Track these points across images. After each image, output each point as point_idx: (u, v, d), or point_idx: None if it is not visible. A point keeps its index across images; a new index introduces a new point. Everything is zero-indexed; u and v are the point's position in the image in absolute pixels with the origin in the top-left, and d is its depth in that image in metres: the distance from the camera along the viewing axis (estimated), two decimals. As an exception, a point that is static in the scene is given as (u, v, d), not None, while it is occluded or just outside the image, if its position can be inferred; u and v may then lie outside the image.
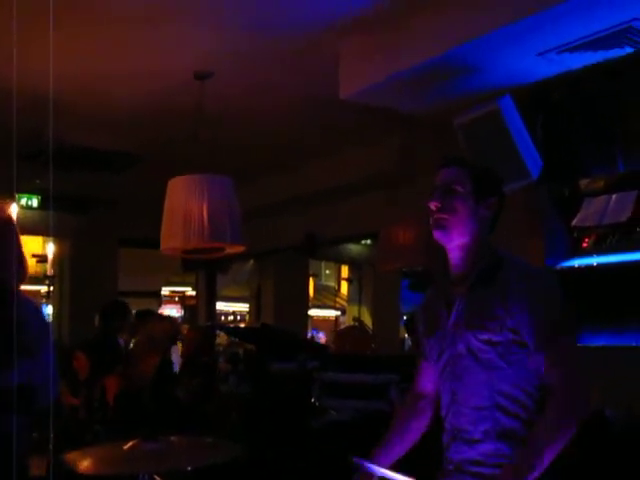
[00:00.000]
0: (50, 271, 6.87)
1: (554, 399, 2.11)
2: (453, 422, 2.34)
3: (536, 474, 2.01)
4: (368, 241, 10.32)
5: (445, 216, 2.30)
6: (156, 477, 2.59)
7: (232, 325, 15.03)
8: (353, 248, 11.42)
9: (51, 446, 3.02)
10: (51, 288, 7.87)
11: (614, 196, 4.60)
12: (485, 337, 2.22)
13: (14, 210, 4.03)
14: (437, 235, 2.33)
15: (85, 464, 2.33)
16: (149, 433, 2.42)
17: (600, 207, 4.64)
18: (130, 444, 2.38)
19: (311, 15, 4.12)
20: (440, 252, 2.42)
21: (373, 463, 2.34)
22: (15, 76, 4.64)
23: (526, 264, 2.36)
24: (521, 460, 2.06)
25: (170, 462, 2.38)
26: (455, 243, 2.33)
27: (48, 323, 2.73)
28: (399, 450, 2.49)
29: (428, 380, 2.55)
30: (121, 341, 5.87)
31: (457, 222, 2.30)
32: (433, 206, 2.31)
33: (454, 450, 2.33)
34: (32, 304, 2.83)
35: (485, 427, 2.24)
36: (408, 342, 7.09)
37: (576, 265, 4.58)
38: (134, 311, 6.70)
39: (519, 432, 2.19)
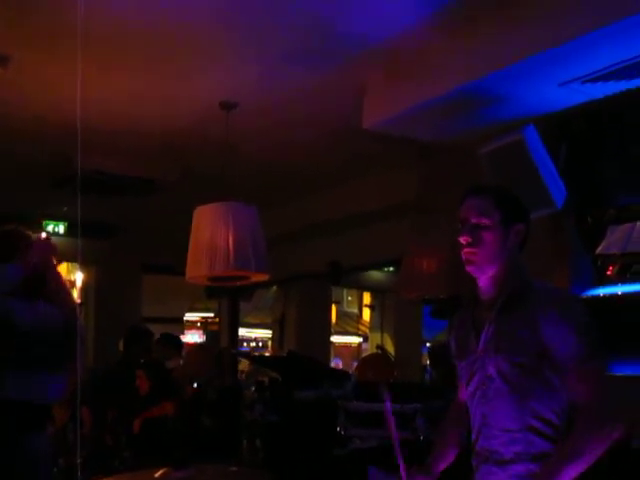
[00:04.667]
0: (79, 298, 6.93)
1: (583, 416, 2.14)
2: (484, 444, 2.36)
3: None
4: (390, 268, 10.32)
5: (475, 250, 2.33)
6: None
7: (256, 352, 15.03)
8: (375, 275, 11.42)
9: (79, 473, 3.06)
10: (80, 315, 7.93)
11: (638, 224, 4.59)
12: (515, 360, 2.25)
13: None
14: (469, 269, 2.37)
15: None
16: (180, 461, 2.45)
17: (624, 235, 4.63)
18: (161, 471, 2.41)
19: (336, 48, 4.18)
20: (468, 278, 2.46)
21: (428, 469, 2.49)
22: (45, 105, 4.75)
23: (555, 288, 2.42)
24: (551, 468, 2.09)
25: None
26: (487, 274, 2.37)
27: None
28: (451, 456, 2.57)
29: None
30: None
31: (487, 254, 2.33)
32: (463, 241, 2.34)
33: (485, 472, 2.35)
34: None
35: (517, 449, 2.26)
36: (429, 371, 7.07)
37: (601, 294, 4.57)
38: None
39: (550, 453, 2.20)
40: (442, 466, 2.56)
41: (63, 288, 2.88)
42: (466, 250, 2.34)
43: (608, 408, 2.14)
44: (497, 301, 2.34)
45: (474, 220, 2.34)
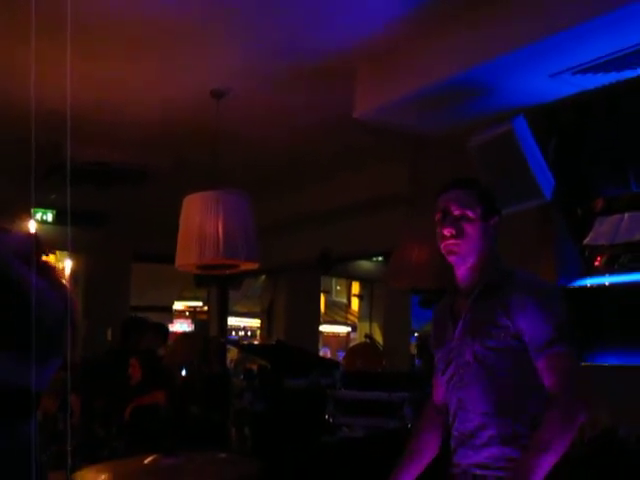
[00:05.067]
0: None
1: (553, 404, 2.18)
2: (460, 428, 2.41)
3: (539, 477, 2.08)
4: (379, 258, 10.35)
5: (459, 242, 2.38)
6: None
7: (244, 341, 15.05)
8: (364, 264, 11.44)
9: (69, 460, 3.06)
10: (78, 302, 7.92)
11: (626, 215, 4.62)
12: (490, 344, 2.31)
13: (32, 226, 4.05)
14: (452, 260, 2.42)
15: (106, 478, 2.37)
16: (169, 448, 2.46)
17: (612, 226, 4.66)
18: (150, 459, 2.42)
19: (327, 38, 4.18)
20: (450, 270, 2.49)
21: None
22: (33, 93, 4.72)
23: (531, 277, 2.45)
24: (523, 464, 2.13)
25: (190, 477, 2.41)
26: (467, 264, 2.42)
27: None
28: (425, 461, 2.56)
29: (443, 392, 2.61)
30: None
31: (469, 246, 2.39)
32: (447, 232, 2.38)
33: (461, 455, 2.40)
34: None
35: (491, 432, 2.31)
36: (417, 361, 7.10)
37: (588, 285, 4.60)
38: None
39: (524, 436, 2.24)
40: (415, 473, 2.54)
41: (55, 280, 2.84)
42: (450, 242, 2.39)
43: (576, 393, 2.19)
44: (474, 290, 2.40)
45: (457, 212, 2.39)
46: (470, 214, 2.38)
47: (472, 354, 2.35)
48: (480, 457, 2.32)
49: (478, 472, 2.33)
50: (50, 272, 2.81)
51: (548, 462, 2.10)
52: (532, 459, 2.12)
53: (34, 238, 2.95)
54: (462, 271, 2.44)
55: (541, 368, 2.24)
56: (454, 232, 2.37)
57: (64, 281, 2.90)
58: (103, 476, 2.41)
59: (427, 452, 2.59)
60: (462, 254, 2.39)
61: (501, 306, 2.30)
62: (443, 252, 2.42)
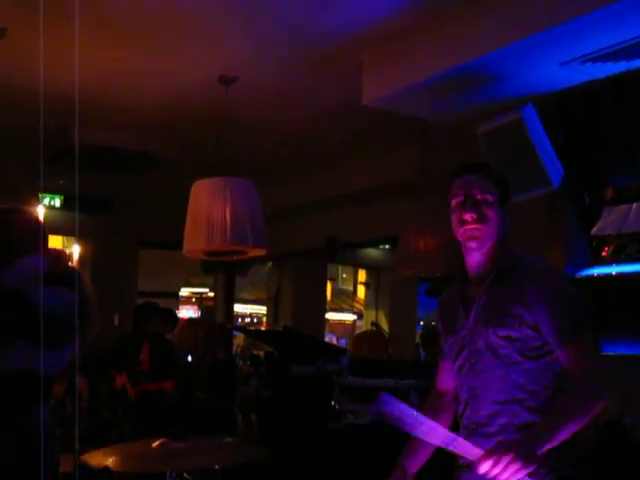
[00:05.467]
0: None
1: (576, 382, 2.17)
2: (471, 417, 2.40)
3: (551, 445, 2.06)
4: (386, 245, 10.34)
5: (480, 226, 2.34)
6: (185, 475, 2.64)
7: (251, 327, 15.08)
8: (371, 252, 11.43)
9: (77, 443, 3.08)
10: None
11: (634, 205, 4.61)
12: (504, 333, 2.29)
13: (40, 211, 4.07)
14: (473, 245, 2.37)
15: (114, 461, 2.38)
16: (177, 432, 2.48)
17: (620, 216, 4.65)
18: (158, 442, 2.44)
19: (336, 24, 4.17)
20: (459, 256, 2.48)
21: (406, 463, 2.47)
22: (42, 77, 4.73)
23: (542, 262, 2.44)
24: (540, 429, 2.11)
25: (197, 461, 2.43)
26: (483, 250, 2.39)
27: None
28: (429, 449, 2.54)
29: (449, 378, 2.61)
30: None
31: (490, 230, 2.35)
32: (469, 217, 2.34)
33: (472, 443, 2.37)
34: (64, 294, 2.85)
35: (503, 421, 2.30)
36: (422, 352, 7.11)
37: (595, 274, 4.60)
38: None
39: (535, 424, 2.22)
40: (421, 460, 2.53)
41: (80, 287, 2.86)
42: (472, 226, 2.34)
43: (599, 381, 2.18)
44: (488, 276, 2.37)
45: (479, 196, 2.35)
46: (490, 198, 2.35)
47: (485, 342, 2.33)
48: (489, 445, 2.26)
49: None
50: (75, 280, 2.84)
51: (562, 435, 2.08)
52: (547, 429, 2.09)
53: (63, 255, 3.00)
54: (476, 257, 2.40)
55: (563, 358, 2.22)
56: (476, 216, 2.33)
57: (87, 286, 2.94)
58: (111, 459, 2.43)
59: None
60: (482, 239, 2.35)
61: (516, 294, 2.28)
62: (462, 238, 2.38)
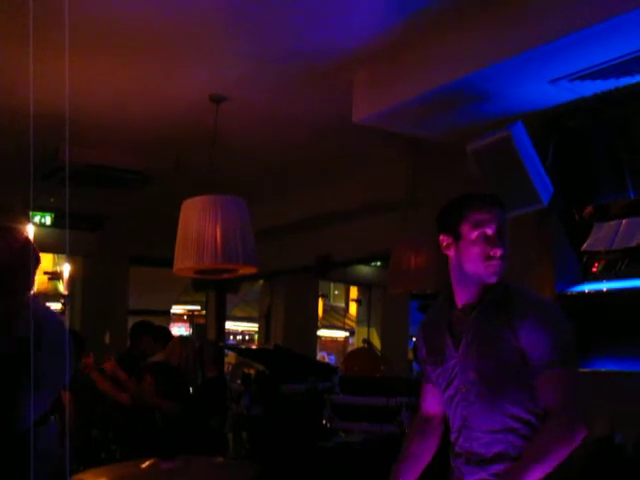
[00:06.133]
0: (65, 290, 6.95)
1: (550, 421, 2.19)
2: (465, 446, 2.39)
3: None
4: (378, 262, 10.35)
5: (504, 263, 2.36)
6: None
7: (242, 345, 15.04)
8: (362, 269, 11.43)
9: (67, 462, 3.05)
10: (67, 307, 7.94)
11: (624, 221, 4.63)
12: (496, 363, 2.30)
13: (30, 229, 4.07)
14: (493, 280, 2.37)
15: (102, 482, 2.37)
16: (166, 452, 2.46)
17: (610, 232, 4.67)
18: (148, 463, 2.42)
19: (325, 42, 4.18)
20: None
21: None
22: (32, 96, 4.73)
23: (533, 293, 2.44)
24: (513, 471, 2.14)
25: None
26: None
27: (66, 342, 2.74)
28: (414, 473, 2.53)
29: (434, 402, 2.60)
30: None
31: (506, 266, 2.38)
32: (499, 253, 2.34)
33: (467, 471, 2.38)
34: (56, 327, 2.85)
35: (498, 449, 2.30)
36: (416, 367, 7.10)
37: (586, 290, 4.60)
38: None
39: None
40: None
41: None
42: (498, 263, 2.35)
43: (575, 413, 2.19)
44: (478, 305, 2.37)
45: (504, 233, 2.37)
46: (507, 234, 2.38)
47: (477, 373, 2.33)
48: (486, 473, 2.31)
49: None
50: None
51: (539, 473, 2.09)
52: (524, 468, 2.11)
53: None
54: (472, 289, 2.39)
55: (540, 386, 2.23)
56: (504, 254, 2.34)
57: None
58: (101, 479, 2.41)
59: (422, 458, 2.58)
60: (502, 274, 2.37)
61: (506, 324, 2.28)
62: (483, 272, 2.35)
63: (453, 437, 2.45)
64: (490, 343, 2.31)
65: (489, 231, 2.35)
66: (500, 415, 2.29)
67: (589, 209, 4.70)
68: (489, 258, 2.34)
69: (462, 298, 2.43)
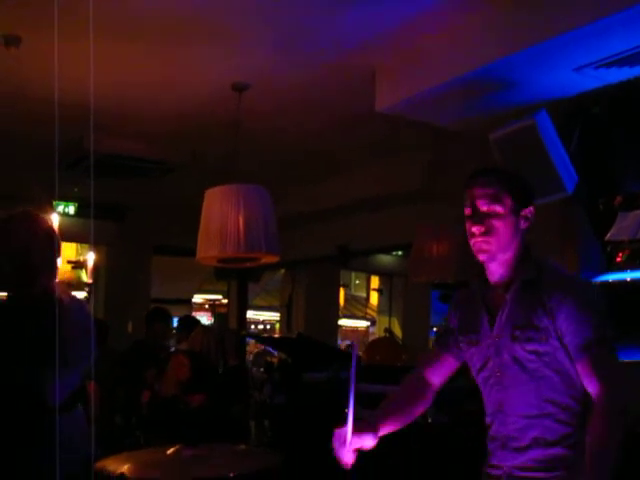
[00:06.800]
0: (90, 279, 7.00)
1: (597, 411, 2.10)
2: (501, 430, 2.34)
3: None
4: (399, 252, 10.34)
5: (489, 239, 2.29)
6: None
7: (265, 334, 15.10)
8: (383, 259, 11.43)
9: (92, 448, 3.09)
10: (91, 295, 8.00)
11: (649, 210, 4.59)
12: (531, 348, 2.24)
13: (55, 219, 4.09)
14: (482, 258, 2.32)
15: (128, 468, 2.39)
16: (189, 439, 2.48)
17: (634, 221, 4.63)
18: (172, 449, 2.44)
19: (348, 31, 4.17)
20: (476, 263, 2.43)
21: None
22: (56, 86, 4.76)
23: (568, 274, 2.40)
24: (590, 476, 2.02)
25: (211, 468, 2.43)
26: (499, 261, 2.34)
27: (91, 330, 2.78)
28: (394, 427, 2.46)
29: (440, 371, 2.56)
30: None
31: (500, 243, 2.30)
32: (476, 230, 2.29)
33: (502, 457, 2.33)
34: (79, 310, 2.88)
35: (534, 434, 2.25)
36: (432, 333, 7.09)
37: (610, 280, 4.57)
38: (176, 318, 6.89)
39: (568, 437, 2.21)
40: (387, 429, 2.44)
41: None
42: (479, 240, 2.29)
43: (622, 393, 2.12)
44: (510, 286, 2.32)
45: (485, 208, 2.29)
46: (499, 210, 2.28)
47: (512, 357, 2.27)
48: (523, 459, 2.26)
49: (519, 474, 2.27)
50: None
51: (612, 471, 2.01)
52: (597, 474, 2.01)
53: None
54: (494, 267, 2.34)
55: (582, 370, 2.17)
56: (483, 230, 2.27)
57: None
58: (126, 466, 2.43)
59: (405, 419, 2.50)
60: (492, 252, 2.30)
61: (541, 306, 2.22)
62: (473, 250, 2.33)
63: (488, 420, 2.40)
64: (524, 326, 2.24)
65: (468, 208, 2.33)
66: (536, 400, 2.24)
67: (618, 198, 4.64)
68: (471, 235, 2.31)
69: (491, 278, 2.38)
